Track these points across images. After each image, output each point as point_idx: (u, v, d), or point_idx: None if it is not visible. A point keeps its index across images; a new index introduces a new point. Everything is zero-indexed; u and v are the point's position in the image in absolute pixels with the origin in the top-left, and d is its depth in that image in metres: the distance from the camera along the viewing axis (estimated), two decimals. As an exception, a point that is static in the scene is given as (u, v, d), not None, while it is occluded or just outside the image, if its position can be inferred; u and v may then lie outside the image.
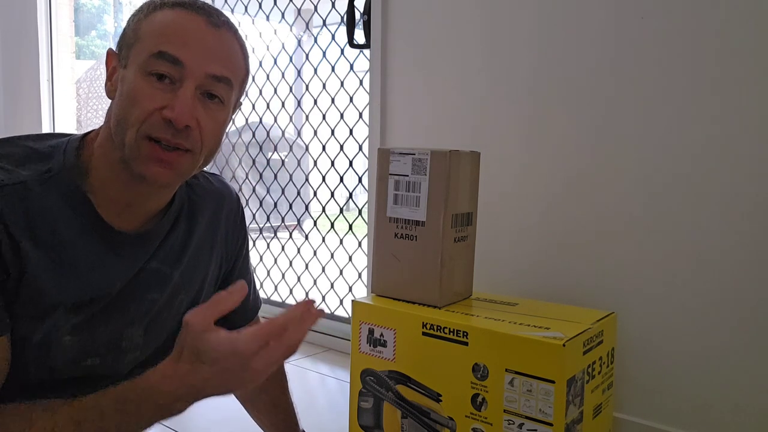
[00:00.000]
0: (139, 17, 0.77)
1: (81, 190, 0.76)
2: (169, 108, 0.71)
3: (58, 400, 0.68)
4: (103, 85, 0.80)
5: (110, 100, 0.79)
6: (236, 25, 0.81)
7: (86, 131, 0.83)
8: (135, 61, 0.74)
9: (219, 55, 0.75)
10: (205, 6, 0.77)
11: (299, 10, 2.31)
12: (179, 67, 0.72)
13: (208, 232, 0.92)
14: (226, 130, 0.83)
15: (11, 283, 0.70)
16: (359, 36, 1.78)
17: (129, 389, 0.67)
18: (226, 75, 0.75)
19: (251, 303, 1.05)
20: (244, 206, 1.03)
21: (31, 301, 0.72)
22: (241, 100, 0.86)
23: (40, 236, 0.72)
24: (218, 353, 0.64)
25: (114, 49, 0.79)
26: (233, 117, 0.85)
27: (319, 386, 1.76)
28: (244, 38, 0.82)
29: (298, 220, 2.49)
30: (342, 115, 2.19)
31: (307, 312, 0.68)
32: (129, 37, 0.76)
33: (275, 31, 2.50)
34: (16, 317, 0.72)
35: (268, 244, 2.50)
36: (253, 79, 2.49)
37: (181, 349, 0.65)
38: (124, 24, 0.80)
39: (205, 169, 0.94)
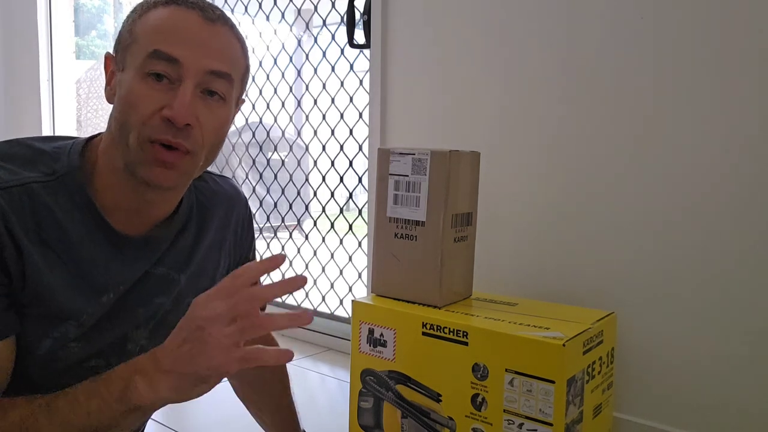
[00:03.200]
0: (133, 18, 0.75)
1: (86, 193, 0.75)
2: (168, 107, 0.70)
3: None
4: (104, 87, 0.79)
5: (111, 105, 0.78)
6: (234, 21, 0.79)
7: (91, 135, 0.82)
8: (132, 63, 0.72)
9: (216, 50, 0.73)
10: (199, 1, 0.75)
11: (299, 10, 2.31)
12: (176, 65, 0.70)
13: (217, 235, 0.92)
14: (228, 128, 0.81)
15: (15, 285, 0.70)
16: (359, 36, 1.78)
17: (102, 376, 0.65)
18: (225, 70, 0.74)
19: None
20: (252, 211, 1.03)
21: (38, 302, 0.72)
22: (243, 97, 0.85)
23: (46, 235, 0.71)
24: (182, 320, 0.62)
25: (111, 53, 0.78)
26: (235, 114, 0.83)
27: (319, 386, 1.76)
28: (242, 33, 0.80)
29: (298, 220, 2.49)
30: (342, 115, 2.19)
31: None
32: (124, 39, 0.75)
33: (275, 31, 2.49)
34: (27, 319, 0.72)
35: (268, 244, 2.50)
36: (253, 79, 2.49)
37: None
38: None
39: (210, 170, 0.93)
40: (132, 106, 0.71)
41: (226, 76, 0.74)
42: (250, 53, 0.83)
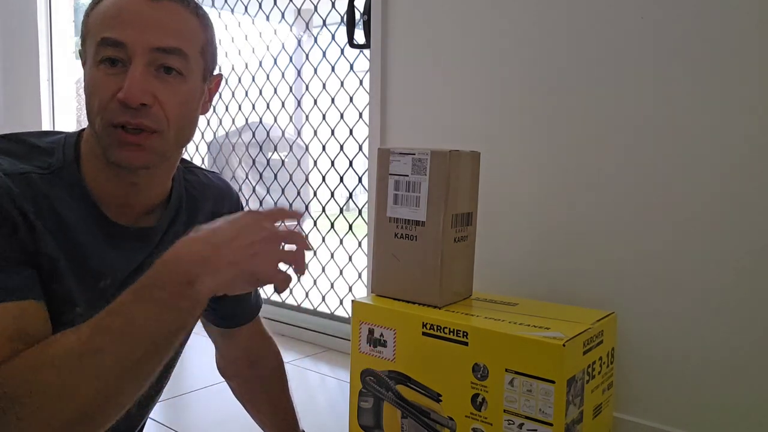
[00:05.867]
0: (87, 12, 0.77)
1: (82, 184, 0.77)
2: (121, 90, 0.71)
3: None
4: None
5: None
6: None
7: (82, 128, 0.83)
8: (88, 54, 0.75)
9: (161, 26, 0.73)
10: None
11: (299, 10, 2.31)
12: (123, 48, 0.71)
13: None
14: (201, 104, 0.82)
15: (33, 264, 0.71)
16: (359, 36, 1.78)
17: (147, 273, 0.62)
18: (173, 45, 0.74)
19: (253, 299, 1.06)
20: (243, 206, 1.03)
21: (49, 282, 0.73)
22: (216, 71, 0.85)
23: (48, 222, 0.73)
24: (234, 215, 0.67)
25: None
26: (209, 88, 0.83)
27: (319, 386, 1.76)
28: (200, 7, 0.80)
29: (298, 221, 2.48)
30: (342, 115, 2.19)
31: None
32: (83, 35, 0.77)
33: (275, 31, 2.49)
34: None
35: (268, 244, 2.49)
36: (253, 79, 2.49)
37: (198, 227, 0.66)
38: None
39: (203, 166, 0.94)
40: (92, 94, 0.74)
41: (176, 51, 0.74)
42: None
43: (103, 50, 0.72)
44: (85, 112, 0.79)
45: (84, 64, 0.77)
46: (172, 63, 0.74)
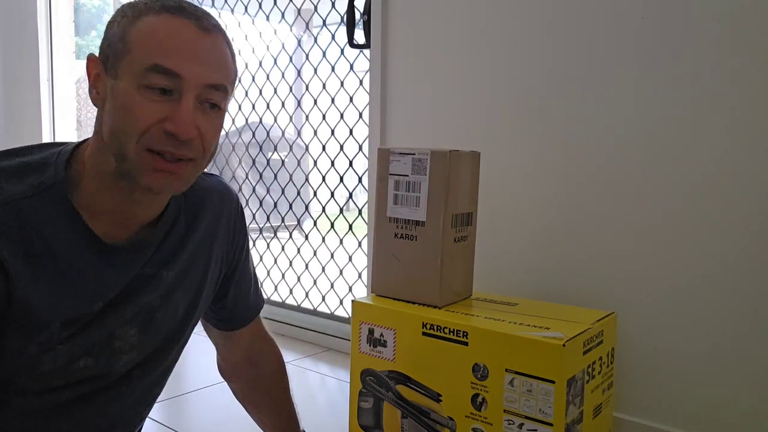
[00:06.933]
0: (123, 24, 0.73)
1: (71, 204, 0.75)
2: (170, 121, 0.70)
3: None
4: (88, 89, 0.78)
5: (96, 108, 0.77)
6: (225, 26, 0.80)
7: (79, 141, 0.81)
8: (128, 73, 0.71)
9: (214, 63, 0.74)
10: (192, 9, 0.75)
11: (299, 10, 2.31)
12: (177, 79, 0.71)
13: (208, 230, 0.92)
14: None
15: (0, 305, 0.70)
16: (359, 36, 1.79)
17: None
18: (222, 83, 0.75)
19: (253, 301, 1.05)
20: (243, 206, 1.03)
21: (23, 318, 0.72)
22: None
23: (34, 250, 0.71)
24: None
25: (96, 55, 0.76)
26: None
27: (319, 386, 1.76)
28: (230, 36, 0.80)
29: (298, 220, 2.49)
30: (342, 115, 2.19)
31: None
32: (116, 46, 0.73)
33: (275, 31, 2.49)
34: (8, 331, 0.72)
35: (268, 244, 2.50)
36: (253, 79, 2.50)
37: None
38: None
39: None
40: (130, 116, 0.71)
41: (223, 88, 0.75)
42: (238, 54, 0.83)
43: (153, 77, 0.70)
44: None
45: (113, 77, 0.72)
46: (217, 99, 0.75)
